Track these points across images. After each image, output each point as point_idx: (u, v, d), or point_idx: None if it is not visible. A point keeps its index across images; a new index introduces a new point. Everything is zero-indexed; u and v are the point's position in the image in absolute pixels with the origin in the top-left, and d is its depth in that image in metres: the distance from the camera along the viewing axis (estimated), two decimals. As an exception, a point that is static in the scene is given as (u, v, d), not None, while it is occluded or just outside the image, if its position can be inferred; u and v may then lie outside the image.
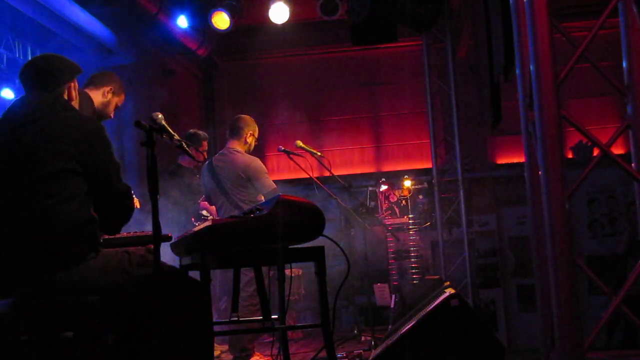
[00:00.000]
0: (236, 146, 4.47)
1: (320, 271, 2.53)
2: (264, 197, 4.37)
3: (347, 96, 8.17)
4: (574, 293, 2.31)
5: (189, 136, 5.00)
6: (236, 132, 4.48)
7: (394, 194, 7.20)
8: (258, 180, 4.32)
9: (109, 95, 3.43)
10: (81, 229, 2.28)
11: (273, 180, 4.46)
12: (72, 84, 2.52)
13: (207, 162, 4.52)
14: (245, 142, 4.47)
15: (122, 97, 3.53)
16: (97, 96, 3.41)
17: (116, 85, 3.46)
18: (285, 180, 7.43)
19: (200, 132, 5.15)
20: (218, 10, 6.29)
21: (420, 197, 7.37)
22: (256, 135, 4.54)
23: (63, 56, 2.55)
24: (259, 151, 4.72)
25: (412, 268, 6.94)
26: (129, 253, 2.41)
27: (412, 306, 4.03)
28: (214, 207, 4.57)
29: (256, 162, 4.39)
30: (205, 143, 5.13)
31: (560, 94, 2.42)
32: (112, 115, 3.50)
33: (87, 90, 3.40)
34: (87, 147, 2.32)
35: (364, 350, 4.70)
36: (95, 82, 3.45)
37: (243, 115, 4.56)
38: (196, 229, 2.60)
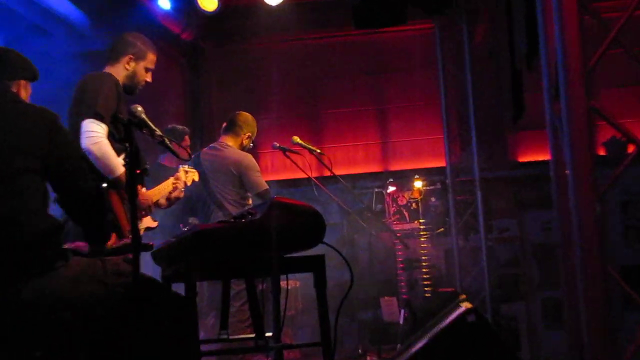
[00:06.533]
0: (229, 142, 4.55)
1: (320, 283, 2.53)
2: (254, 198, 4.42)
3: (350, 86, 8.17)
4: (606, 308, 2.31)
5: (167, 132, 5.03)
6: (233, 128, 4.57)
7: (403, 196, 7.19)
8: (250, 178, 4.39)
9: (132, 64, 3.40)
10: (47, 235, 2.28)
11: (265, 181, 4.51)
12: (24, 84, 2.52)
13: (194, 155, 4.55)
14: (241, 143, 4.55)
15: (151, 55, 3.44)
16: (119, 71, 3.37)
17: (135, 49, 3.40)
18: (280, 180, 7.43)
19: (179, 127, 5.19)
20: (205, -10, 6.29)
21: (433, 199, 7.37)
22: (253, 138, 4.61)
23: (22, 55, 2.57)
24: (250, 148, 4.76)
25: (424, 279, 6.93)
26: (103, 261, 2.41)
27: (424, 322, 4.03)
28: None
29: (249, 158, 4.48)
30: (187, 138, 5.17)
31: (591, 83, 2.41)
32: (146, 80, 3.45)
33: (106, 70, 3.37)
34: (49, 142, 2.32)
35: (369, 372, 4.70)
36: (111, 55, 3.41)
37: (245, 113, 4.65)
38: (180, 235, 2.60)
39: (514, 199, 7.62)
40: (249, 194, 4.50)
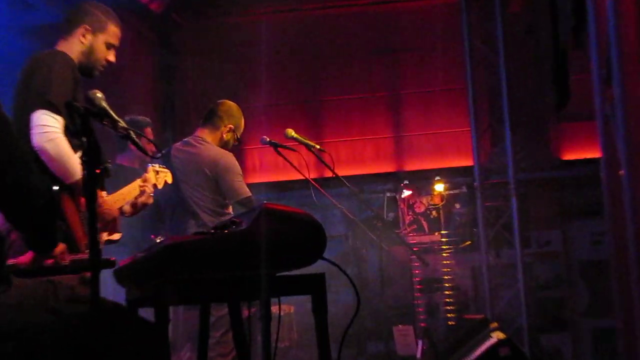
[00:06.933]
0: (206, 136, 4.55)
1: (320, 308, 2.53)
2: (234, 207, 4.41)
3: (357, 68, 8.18)
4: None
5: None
6: (212, 120, 4.58)
7: (421, 202, 7.20)
8: (228, 182, 4.38)
9: (88, 37, 3.39)
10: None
11: (252, 184, 4.52)
12: None
13: (165, 152, 4.55)
14: (221, 138, 4.56)
15: (112, 28, 3.45)
16: (74, 46, 3.37)
17: (93, 19, 3.41)
18: (271, 183, 7.44)
19: (140, 118, 5.21)
20: (179, -50, 6.31)
21: (457, 206, 7.37)
22: (239, 132, 4.62)
23: None
24: (235, 144, 4.76)
25: (446, 304, 6.94)
26: (54, 284, 2.40)
27: (446, 356, 4.04)
28: None
29: (228, 157, 4.47)
30: (148, 131, 5.17)
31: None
32: (108, 59, 3.45)
33: (59, 47, 3.37)
34: None
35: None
36: (65, 28, 3.40)
37: (228, 102, 4.68)
38: (149, 250, 2.60)
39: (557, 206, 7.63)
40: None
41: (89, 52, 3.41)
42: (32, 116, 3.08)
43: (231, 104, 4.67)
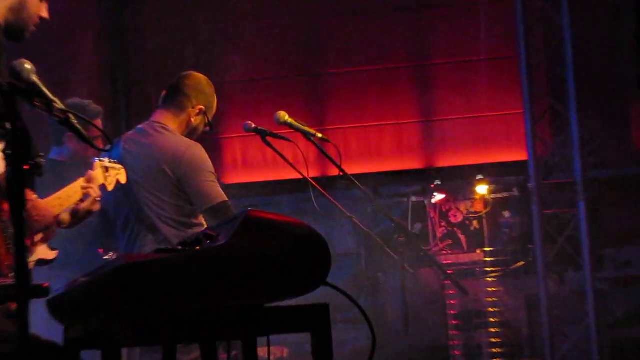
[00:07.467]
0: (168, 122, 4.54)
1: (322, 350, 2.54)
2: (206, 217, 4.41)
3: (372, 30, 8.19)
4: None
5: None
6: (175, 99, 4.55)
7: (458, 210, 7.21)
8: (195, 184, 4.37)
9: None
10: None
11: (232, 185, 4.51)
12: None
13: (115, 144, 4.55)
14: (188, 123, 4.54)
15: None
16: None
17: None
18: (257, 183, 7.44)
19: (87, 103, 5.20)
20: None
21: (506, 214, 7.38)
22: (211, 114, 4.60)
23: None
24: (206, 132, 4.76)
25: (492, 345, 6.95)
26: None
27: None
28: None
29: (196, 149, 4.45)
30: (98, 123, 5.17)
31: None
32: (41, 16, 3.46)
33: None
34: None
35: None
36: None
37: (195, 74, 4.66)
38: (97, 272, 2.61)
39: (640, 215, 7.64)
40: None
41: (19, 7, 3.42)
42: None
43: (200, 76, 4.65)
